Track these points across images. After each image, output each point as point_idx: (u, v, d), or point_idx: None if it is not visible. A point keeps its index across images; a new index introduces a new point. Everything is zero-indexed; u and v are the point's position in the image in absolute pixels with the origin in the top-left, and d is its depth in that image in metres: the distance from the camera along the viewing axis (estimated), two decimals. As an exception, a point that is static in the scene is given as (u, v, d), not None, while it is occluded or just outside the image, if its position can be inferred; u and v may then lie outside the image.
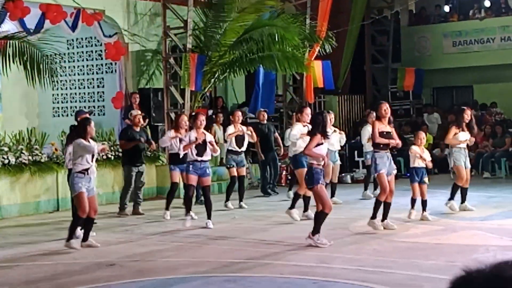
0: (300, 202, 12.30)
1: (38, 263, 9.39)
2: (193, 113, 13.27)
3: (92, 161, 10.16)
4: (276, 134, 16.93)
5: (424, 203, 11.96)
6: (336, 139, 13.66)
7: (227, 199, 14.37)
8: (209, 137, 11.90)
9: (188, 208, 11.96)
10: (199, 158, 11.76)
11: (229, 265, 8.97)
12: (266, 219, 12.81)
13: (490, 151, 19.48)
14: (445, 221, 11.90)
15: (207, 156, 11.89)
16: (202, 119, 12.02)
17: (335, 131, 13.54)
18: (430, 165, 12.17)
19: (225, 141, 15.09)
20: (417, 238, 10.36)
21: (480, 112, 22.18)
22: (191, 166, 11.75)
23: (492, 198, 14.72)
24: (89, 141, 10.17)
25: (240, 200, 14.50)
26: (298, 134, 12.24)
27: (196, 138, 11.61)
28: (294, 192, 12.71)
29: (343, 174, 18.69)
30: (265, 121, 16.49)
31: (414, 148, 12.09)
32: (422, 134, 12.36)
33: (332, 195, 13.76)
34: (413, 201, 11.97)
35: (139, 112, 14.27)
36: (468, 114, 12.75)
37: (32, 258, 9.73)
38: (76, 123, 11.45)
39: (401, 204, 12.59)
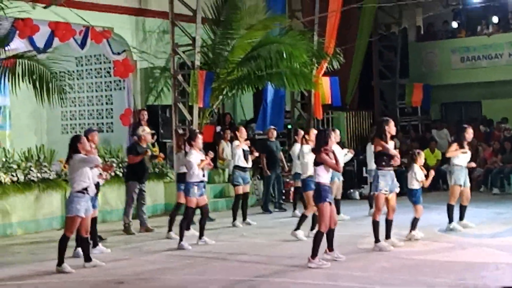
0: (308, 220, 12.24)
1: (46, 281, 9.39)
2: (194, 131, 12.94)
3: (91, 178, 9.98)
4: (281, 153, 17.00)
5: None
6: (340, 156, 13.40)
7: (234, 218, 14.34)
8: (203, 157, 11.91)
9: (183, 232, 11.75)
10: (205, 179, 11.87)
11: (237, 283, 8.95)
12: (274, 236, 12.79)
13: (499, 167, 19.43)
14: (454, 238, 11.84)
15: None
16: (201, 139, 12.03)
17: (346, 153, 13.56)
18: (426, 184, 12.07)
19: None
20: (425, 255, 10.32)
21: (489, 128, 22.14)
22: (196, 187, 11.66)
23: (501, 214, 14.65)
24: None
25: (244, 218, 14.53)
26: (311, 157, 11.97)
27: (201, 160, 11.66)
28: (302, 214, 12.59)
29: (351, 190, 18.63)
30: (274, 139, 16.57)
31: (417, 167, 11.77)
32: (423, 156, 12.09)
33: (338, 211, 13.62)
34: (416, 221, 11.69)
35: (149, 130, 14.21)
36: (470, 133, 12.60)
37: (40, 276, 9.72)
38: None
39: (407, 220, 12.44)
